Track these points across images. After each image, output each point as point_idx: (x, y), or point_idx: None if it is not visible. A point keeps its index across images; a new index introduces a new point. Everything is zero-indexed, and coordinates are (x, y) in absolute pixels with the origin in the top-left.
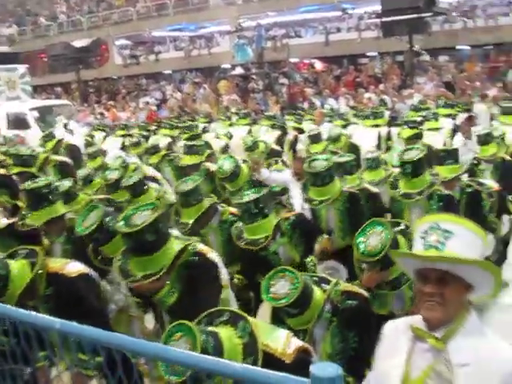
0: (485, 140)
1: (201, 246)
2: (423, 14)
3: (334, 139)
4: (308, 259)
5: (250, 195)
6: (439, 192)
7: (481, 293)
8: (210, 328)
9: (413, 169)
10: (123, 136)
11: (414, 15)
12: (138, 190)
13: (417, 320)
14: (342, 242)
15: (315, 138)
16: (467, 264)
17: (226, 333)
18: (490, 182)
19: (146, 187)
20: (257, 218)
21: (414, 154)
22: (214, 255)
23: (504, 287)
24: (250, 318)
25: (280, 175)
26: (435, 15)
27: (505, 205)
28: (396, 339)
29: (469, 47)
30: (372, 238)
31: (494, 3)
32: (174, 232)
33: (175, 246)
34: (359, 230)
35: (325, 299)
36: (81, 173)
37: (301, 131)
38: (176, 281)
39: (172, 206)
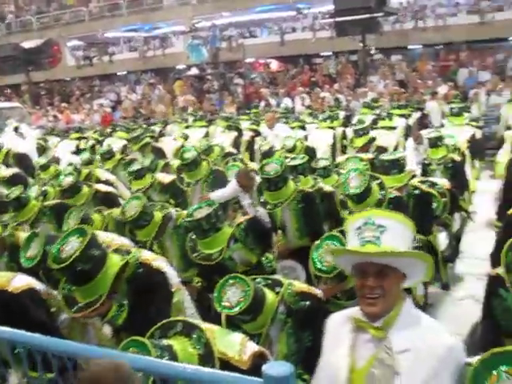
0: (435, 143)
1: (144, 255)
2: (375, 14)
3: (289, 149)
4: (264, 258)
5: (201, 211)
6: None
7: (413, 280)
8: (164, 341)
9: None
10: (78, 139)
11: (366, 15)
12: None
13: (356, 311)
14: (298, 242)
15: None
16: (407, 256)
17: (180, 344)
18: (442, 181)
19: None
20: (209, 233)
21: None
22: (159, 261)
23: (457, 281)
24: (204, 326)
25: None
26: (386, 15)
27: (456, 203)
28: (339, 331)
29: (420, 46)
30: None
31: (443, 4)
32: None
33: (115, 262)
34: (315, 244)
35: (278, 301)
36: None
37: (257, 132)
38: (124, 297)
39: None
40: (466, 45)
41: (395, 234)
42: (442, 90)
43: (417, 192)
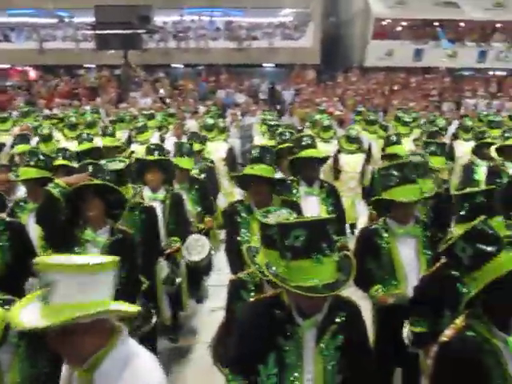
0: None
1: None
2: (137, 30)
3: None
4: None
5: None
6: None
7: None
8: None
9: None
10: None
11: (128, 30)
12: None
13: None
14: None
15: None
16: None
17: None
18: None
19: None
20: None
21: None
22: None
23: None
24: None
25: None
26: (149, 32)
27: None
28: None
29: (182, 66)
30: None
31: (205, 27)
32: None
33: None
34: None
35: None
36: None
37: None
38: None
39: None
40: (225, 68)
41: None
42: (202, 109)
43: None
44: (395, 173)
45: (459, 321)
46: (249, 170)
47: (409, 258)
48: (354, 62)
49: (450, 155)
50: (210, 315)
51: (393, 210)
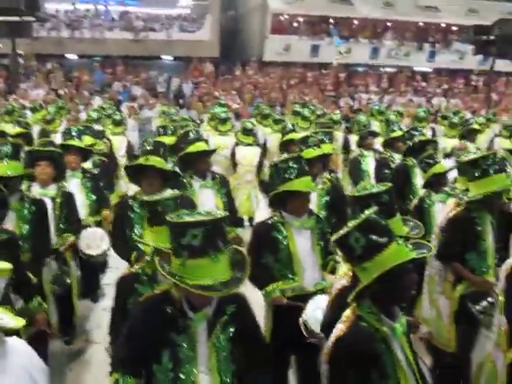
0: None
1: None
2: (25, 18)
3: None
4: None
5: None
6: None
7: None
8: None
9: None
10: None
11: (15, 18)
12: None
13: None
14: None
15: None
16: None
17: None
18: None
19: None
20: None
21: None
22: None
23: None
24: None
25: None
26: (39, 20)
27: None
28: None
29: (76, 57)
30: None
31: (100, 17)
32: None
33: None
34: None
35: None
36: None
37: None
38: None
39: None
40: (122, 60)
41: None
42: (97, 101)
43: None
44: (293, 165)
45: (349, 313)
46: (141, 160)
47: (305, 250)
48: (252, 56)
49: (345, 147)
50: (104, 314)
51: (290, 202)
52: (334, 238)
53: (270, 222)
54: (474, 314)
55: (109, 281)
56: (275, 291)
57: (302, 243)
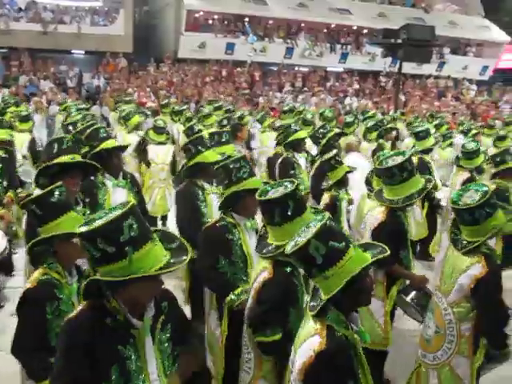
0: None
1: None
2: None
3: None
4: None
5: None
6: None
7: None
8: None
9: None
10: None
11: None
12: None
13: None
14: None
15: None
16: None
17: None
18: None
19: None
20: None
21: None
22: None
23: None
24: None
25: None
26: None
27: None
28: None
29: None
30: None
31: (5, 7)
32: None
33: None
34: None
35: None
36: None
37: None
38: None
39: None
40: (29, 52)
41: None
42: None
43: None
44: (244, 165)
45: (318, 325)
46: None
47: (254, 252)
48: (167, 52)
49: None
50: (10, 320)
51: (245, 201)
52: (289, 250)
53: (222, 224)
54: (410, 304)
55: (14, 284)
56: (241, 296)
57: (252, 244)
